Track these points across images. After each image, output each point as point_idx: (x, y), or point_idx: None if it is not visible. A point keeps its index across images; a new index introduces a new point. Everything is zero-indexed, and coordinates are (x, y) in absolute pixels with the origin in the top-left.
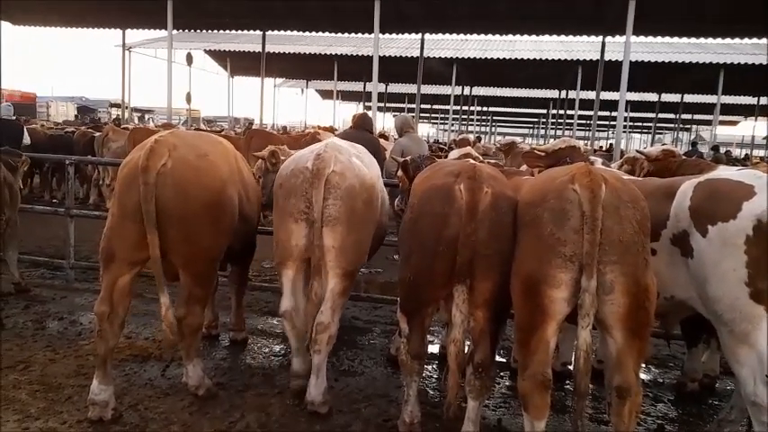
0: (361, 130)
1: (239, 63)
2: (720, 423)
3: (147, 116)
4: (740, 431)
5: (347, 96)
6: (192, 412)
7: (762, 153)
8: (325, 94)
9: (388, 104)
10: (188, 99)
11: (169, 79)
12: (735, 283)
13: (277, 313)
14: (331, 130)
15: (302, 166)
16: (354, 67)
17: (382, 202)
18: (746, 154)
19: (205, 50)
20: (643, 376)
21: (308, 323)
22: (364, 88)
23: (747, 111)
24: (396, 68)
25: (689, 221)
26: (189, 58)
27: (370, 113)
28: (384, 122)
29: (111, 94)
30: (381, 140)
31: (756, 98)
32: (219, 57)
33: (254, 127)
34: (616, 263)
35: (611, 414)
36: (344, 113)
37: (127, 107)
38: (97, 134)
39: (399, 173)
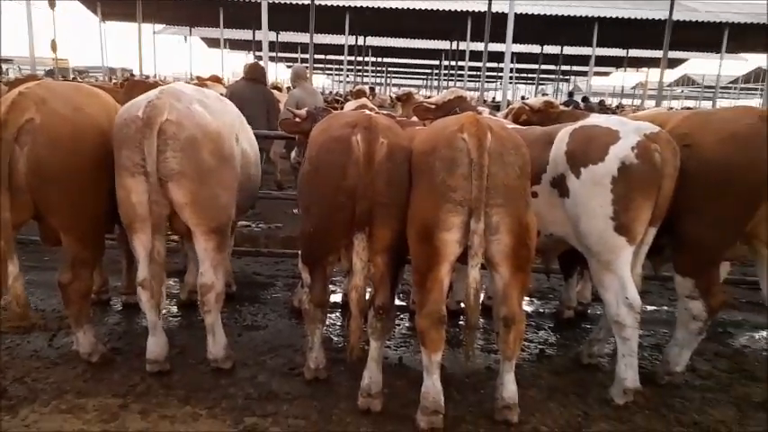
0: (253, 82)
1: (111, 7)
2: (591, 342)
3: (5, 66)
4: (607, 348)
5: (236, 45)
6: (87, 379)
7: (630, 102)
8: (212, 43)
9: (280, 54)
10: (53, 47)
11: (29, 24)
12: (602, 218)
13: (170, 272)
14: (218, 80)
15: (134, 115)
16: (242, 14)
17: (245, 154)
18: (619, 103)
19: None
20: (527, 308)
21: (156, 287)
22: (254, 37)
23: (618, 62)
24: (287, 16)
25: (565, 165)
26: (51, 1)
27: (262, 63)
28: (277, 73)
29: None
30: (275, 92)
31: (626, 51)
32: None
33: (134, 78)
34: (501, 205)
35: (498, 342)
36: (234, 64)
37: None
38: None
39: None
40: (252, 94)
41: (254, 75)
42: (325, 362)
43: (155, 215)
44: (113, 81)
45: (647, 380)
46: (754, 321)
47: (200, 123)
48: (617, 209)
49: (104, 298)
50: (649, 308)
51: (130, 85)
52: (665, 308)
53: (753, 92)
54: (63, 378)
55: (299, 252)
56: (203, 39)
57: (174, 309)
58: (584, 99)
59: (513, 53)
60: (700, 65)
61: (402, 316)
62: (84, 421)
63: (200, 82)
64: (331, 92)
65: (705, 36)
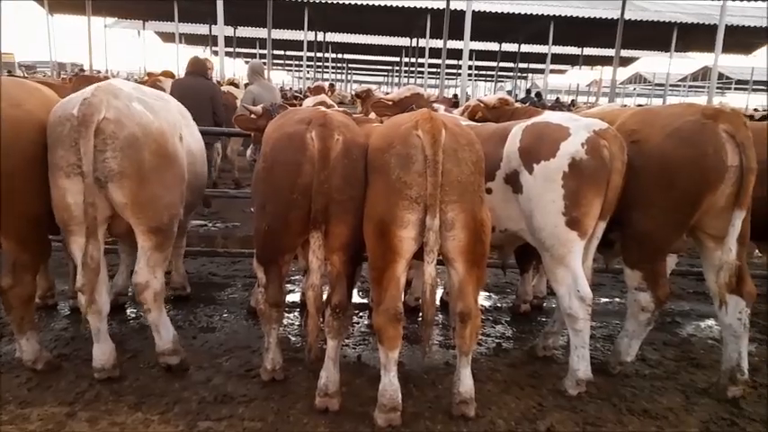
0: (195, 76)
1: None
2: (546, 335)
3: None
4: (561, 340)
5: (192, 40)
6: (31, 387)
7: (585, 99)
8: (167, 38)
9: (238, 50)
10: None
11: None
12: (554, 213)
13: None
14: (171, 76)
15: (68, 113)
16: (198, 8)
17: (190, 152)
18: (573, 100)
19: None
20: (485, 303)
21: (88, 291)
22: (210, 31)
23: (574, 60)
24: (245, 11)
25: (518, 161)
26: None
27: (216, 58)
28: (235, 69)
29: None
30: (231, 88)
31: (581, 49)
32: None
33: (85, 73)
34: (456, 202)
35: (455, 337)
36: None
37: None
38: None
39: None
40: (195, 90)
41: (197, 69)
42: (282, 362)
43: (89, 218)
44: (63, 77)
45: (600, 370)
46: (700, 311)
47: (141, 122)
48: (568, 204)
49: (50, 303)
50: (603, 300)
51: (78, 81)
52: (617, 300)
53: (700, 89)
54: (5, 387)
55: (255, 251)
56: (157, 33)
57: (128, 312)
58: (537, 95)
59: (472, 50)
60: (651, 63)
61: (362, 314)
62: None
63: (153, 78)
64: (291, 88)
65: (655, 35)
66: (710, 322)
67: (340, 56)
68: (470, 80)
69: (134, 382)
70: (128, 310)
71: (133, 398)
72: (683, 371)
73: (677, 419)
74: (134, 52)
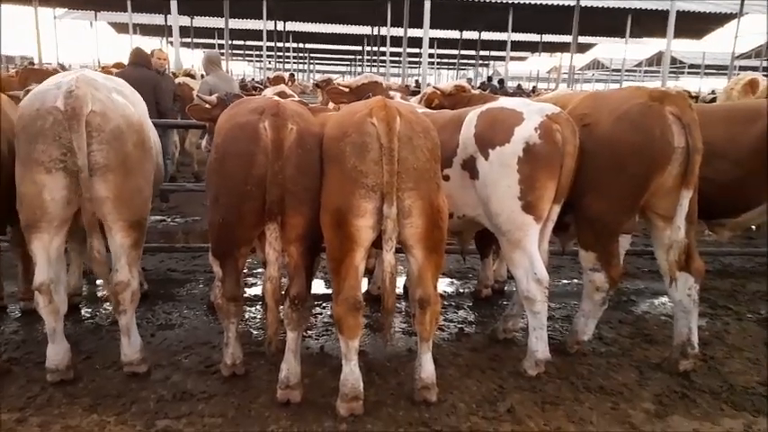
0: (138, 67)
1: None
2: (505, 318)
3: None
4: (520, 322)
5: (147, 31)
6: None
7: (546, 85)
8: (121, 28)
9: (196, 40)
10: None
11: None
12: (510, 198)
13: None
14: (122, 67)
15: (50, 106)
16: None
17: (155, 143)
18: (534, 86)
19: None
20: (447, 288)
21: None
22: (166, 21)
23: (534, 47)
24: (201, 1)
25: (474, 147)
26: None
27: (172, 49)
28: (193, 60)
29: None
30: (187, 79)
31: (540, 36)
32: None
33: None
34: (412, 189)
35: (415, 324)
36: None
37: None
38: None
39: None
40: (138, 81)
41: (139, 60)
42: (243, 356)
43: (88, 213)
44: (13, 69)
45: (558, 350)
46: (654, 289)
47: (124, 114)
48: (523, 188)
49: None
50: (563, 281)
51: (25, 74)
52: (576, 281)
53: (655, 74)
54: None
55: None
56: (111, 24)
57: (82, 312)
58: (500, 82)
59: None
60: (608, 49)
61: (324, 304)
62: None
63: (106, 70)
64: (253, 78)
65: (611, 22)
66: (664, 299)
67: (301, 45)
68: (433, 68)
69: (89, 383)
70: (82, 311)
71: (88, 400)
72: (637, 347)
73: (632, 394)
74: (87, 44)
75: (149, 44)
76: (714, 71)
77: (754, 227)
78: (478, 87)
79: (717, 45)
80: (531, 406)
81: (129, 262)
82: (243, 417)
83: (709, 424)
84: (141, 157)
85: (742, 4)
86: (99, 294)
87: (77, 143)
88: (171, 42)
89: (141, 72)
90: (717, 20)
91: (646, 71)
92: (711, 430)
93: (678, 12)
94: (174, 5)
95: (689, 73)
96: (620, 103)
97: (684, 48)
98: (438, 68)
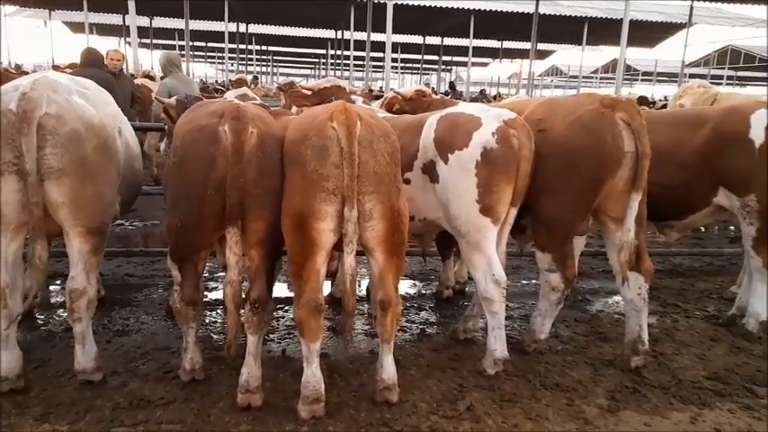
0: (90, 68)
1: None
2: (465, 319)
3: None
4: (480, 323)
5: (104, 31)
6: None
7: (507, 91)
8: (76, 28)
9: (155, 41)
10: None
11: None
12: (468, 201)
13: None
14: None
15: (5, 108)
16: None
17: (127, 146)
18: (498, 92)
19: None
20: (410, 290)
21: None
22: (123, 21)
23: (495, 53)
24: (160, 1)
25: (434, 151)
26: None
27: (130, 49)
28: (152, 61)
29: None
30: (146, 81)
31: (500, 42)
32: None
33: None
34: (373, 192)
35: (376, 325)
36: (103, 51)
37: None
38: None
39: (163, 115)
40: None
41: (92, 60)
42: (202, 361)
43: (35, 218)
44: None
45: (517, 349)
46: (608, 288)
47: (83, 116)
48: (481, 191)
49: None
50: (522, 282)
51: None
52: (534, 281)
53: (611, 81)
54: None
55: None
56: (66, 23)
57: (36, 319)
58: (451, 86)
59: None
60: (566, 56)
61: (286, 308)
62: None
63: (60, 71)
64: (216, 81)
65: (568, 29)
66: (617, 298)
67: (264, 48)
68: (396, 73)
69: (41, 392)
70: (58, 313)
71: (39, 409)
72: (591, 345)
73: (586, 390)
74: (40, 44)
75: (106, 44)
76: (666, 78)
77: (702, 228)
78: (444, 93)
79: (668, 53)
80: (489, 404)
81: (86, 269)
82: (202, 422)
83: (658, 417)
84: (102, 161)
85: (690, 15)
86: (53, 300)
87: (26, 146)
88: (129, 43)
89: (94, 73)
90: (668, 29)
91: (602, 78)
92: (661, 423)
93: (631, 21)
94: (131, 5)
95: (642, 80)
96: (573, 109)
97: (638, 56)
98: (402, 73)
